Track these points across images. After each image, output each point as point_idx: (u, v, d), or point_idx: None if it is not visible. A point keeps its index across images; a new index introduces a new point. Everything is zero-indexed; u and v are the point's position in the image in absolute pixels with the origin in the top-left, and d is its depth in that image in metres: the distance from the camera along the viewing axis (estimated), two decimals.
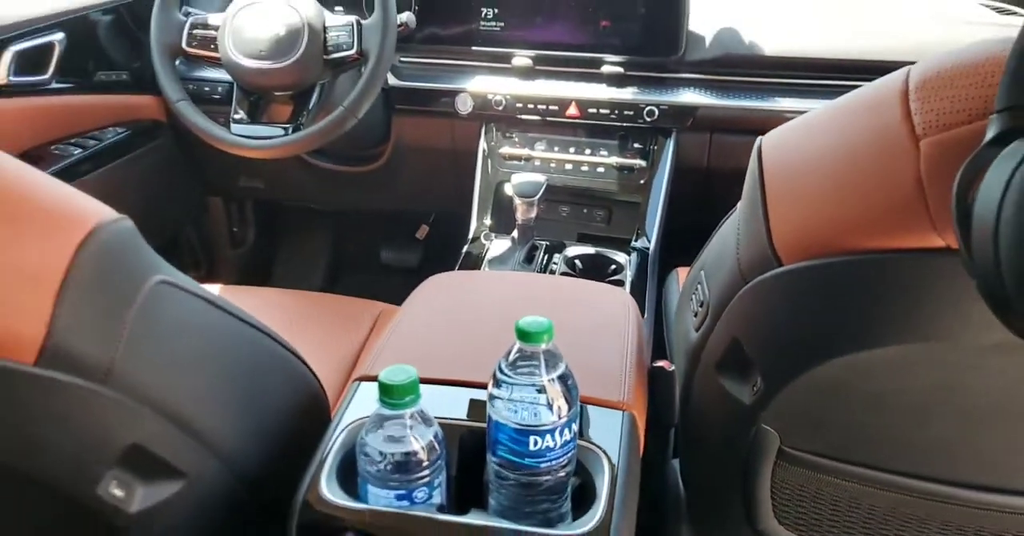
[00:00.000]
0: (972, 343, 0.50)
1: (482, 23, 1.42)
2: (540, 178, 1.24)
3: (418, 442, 0.57)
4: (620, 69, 1.38)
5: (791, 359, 0.58)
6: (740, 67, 1.37)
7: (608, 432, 0.66)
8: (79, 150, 1.39)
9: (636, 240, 1.36)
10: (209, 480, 0.58)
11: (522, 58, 1.41)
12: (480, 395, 0.65)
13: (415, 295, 0.90)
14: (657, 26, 1.35)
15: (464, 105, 1.43)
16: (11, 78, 1.27)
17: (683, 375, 0.77)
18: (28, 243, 0.45)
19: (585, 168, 1.40)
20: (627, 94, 1.37)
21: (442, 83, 1.45)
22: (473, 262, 1.33)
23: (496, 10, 1.40)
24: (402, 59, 1.48)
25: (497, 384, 0.58)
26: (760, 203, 0.56)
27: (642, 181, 1.38)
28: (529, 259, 1.29)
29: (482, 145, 1.46)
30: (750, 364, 0.62)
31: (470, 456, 0.65)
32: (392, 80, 1.46)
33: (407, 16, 1.30)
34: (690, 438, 0.81)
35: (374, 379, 0.57)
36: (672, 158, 1.37)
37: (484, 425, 0.60)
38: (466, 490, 0.65)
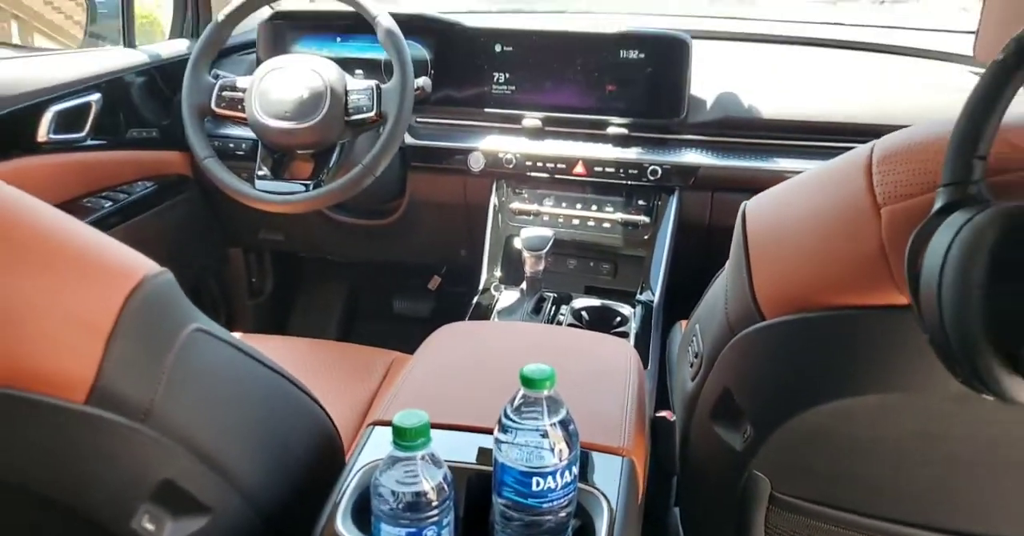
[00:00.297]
0: (941, 392, 0.54)
1: (494, 87, 1.49)
2: (548, 233, 1.29)
3: (428, 483, 0.60)
4: (625, 130, 1.44)
5: (776, 406, 0.62)
6: (740, 129, 1.41)
7: (608, 476, 0.69)
8: (110, 203, 1.46)
9: (641, 293, 1.39)
10: (232, 515, 0.61)
11: (532, 119, 1.47)
12: (486, 440, 0.69)
13: (427, 344, 0.93)
14: (660, 91, 1.41)
15: (476, 163, 1.49)
16: (51, 136, 1.35)
17: (681, 423, 0.80)
18: (81, 292, 0.50)
19: (592, 223, 1.45)
20: (632, 154, 1.42)
21: (456, 142, 1.51)
22: (483, 312, 1.37)
23: (508, 75, 1.47)
24: (418, 119, 1.55)
25: (503, 429, 0.62)
26: (744, 263, 0.61)
27: (646, 236, 1.42)
28: (537, 310, 1.32)
29: (493, 201, 1.51)
30: (740, 412, 0.66)
31: (477, 498, 0.68)
32: (408, 139, 1.52)
33: (423, 81, 1.37)
34: (688, 484, 0.85)
35: (388, 424, 0.60)
36: (675, 215, 1.41)
37: (490, 468, 0.64)
38: (473, 531, 0.68)
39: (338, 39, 1.55)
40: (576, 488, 0.64)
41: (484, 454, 0.70)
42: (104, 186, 1.49)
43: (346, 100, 1.31)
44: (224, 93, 1.37)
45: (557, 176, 1.46)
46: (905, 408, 0.58)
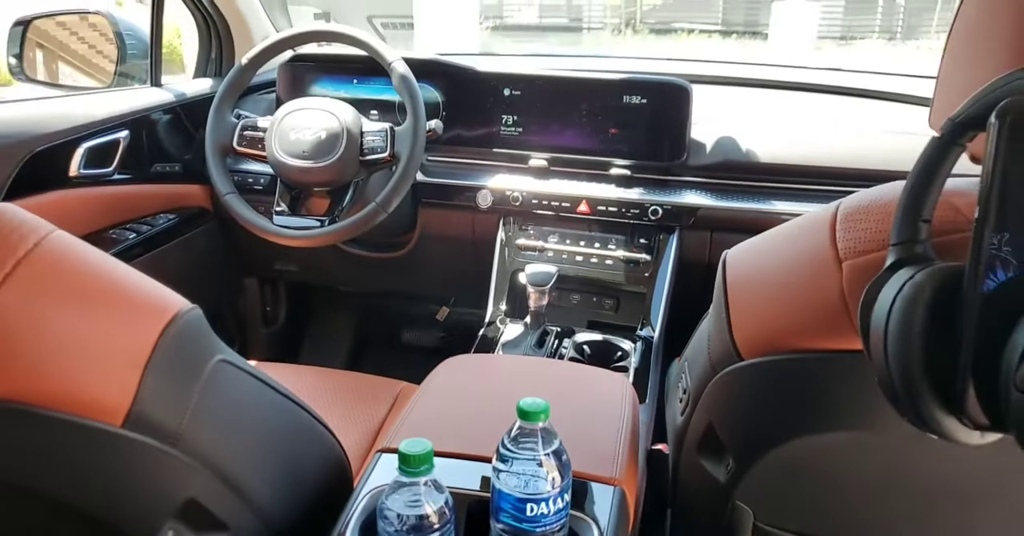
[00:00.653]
0: (900, 431, 0.58)
1: (503, 128, 1.55)
2: (552, 268, 1.34)
3: (431, 507, 0.65)
4: (627, 171, 1.49)
5: (755, 441, 0.66)
6: (738, 172, 1.46)
7: (600, 505, 0.73)
8: (133, 234, 1.53)
9: (641, 329, 1.43)
10: (247, 533, 0.66)
11: (538, 160, 1.53)
12: (486, 468, 0.74)
13: (433, 375, 0.98)
14: (662, 134, 1.46)
15: (485, 200, 1.54)
16: (81, 171, 1.42)
17: (673, 456, 0.85)
18: (122, 327, 0.55)
19: (595, 260, 1.49)
20: (634, 194, 1.47)
21: (465, 180, 1.57)
22: (488, 345, 1.41)
23: (515, 117, 1.53)
24: (430, 158, 1.61)
25: (501, 458, 0.67)
26: (724, 306, 0.66)
27: (647, 274, 1.46)
28: (540, 343, 1.36)
29: (500, 236, 1.56)
30: (723, 446, 0.71)
31: (476, 523, 0.73)
32: (420, 176, 1.58)
33: (435, 123, 1.42)
34: (679, 515, 0.89)
35: (394, 451, 0.65)
36: (675, 253, 1.45)
37: (489, 495, 0.68)
38: None
39: (355, 81, 1.62)
40: (568, 514, 0.68)
41: (483, 481, 0.75)
42: (129, 218, 1.56)
43: (361, 141, 1.38)
44: (246, 133, 1.44)
45: (562, 214, 1.51)
46: (872, 444, 0.63)
